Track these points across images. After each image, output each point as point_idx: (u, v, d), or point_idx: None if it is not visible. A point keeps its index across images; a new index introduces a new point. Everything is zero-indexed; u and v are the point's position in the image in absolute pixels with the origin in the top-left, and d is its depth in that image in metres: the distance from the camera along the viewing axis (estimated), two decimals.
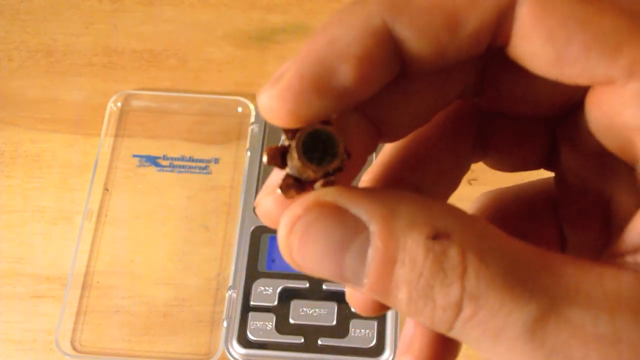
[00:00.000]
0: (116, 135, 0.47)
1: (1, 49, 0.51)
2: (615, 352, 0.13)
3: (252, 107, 0.47)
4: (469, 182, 0.46)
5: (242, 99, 0.47)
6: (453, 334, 0.14)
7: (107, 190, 0.45)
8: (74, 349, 0.40)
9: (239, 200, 0.43)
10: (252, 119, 0.46)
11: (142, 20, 0.52)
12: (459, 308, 0.14)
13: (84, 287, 0.42)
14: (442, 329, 0.14)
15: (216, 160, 0.46)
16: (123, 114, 0.48)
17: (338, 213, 0.15)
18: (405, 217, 0.15)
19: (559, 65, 0.15)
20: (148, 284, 0.42)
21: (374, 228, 0.15)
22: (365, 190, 0.15)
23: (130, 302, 0.41)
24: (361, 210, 0.15)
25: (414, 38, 0.15)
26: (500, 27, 0.15)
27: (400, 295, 0.14)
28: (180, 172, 0.46)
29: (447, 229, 0.14)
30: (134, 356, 0.40)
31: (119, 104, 0.48)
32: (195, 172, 0.46)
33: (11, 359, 0.40)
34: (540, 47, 0.15)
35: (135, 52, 0.51)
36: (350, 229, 0.15)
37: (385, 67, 0.15)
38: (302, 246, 0.15)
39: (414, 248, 0.14)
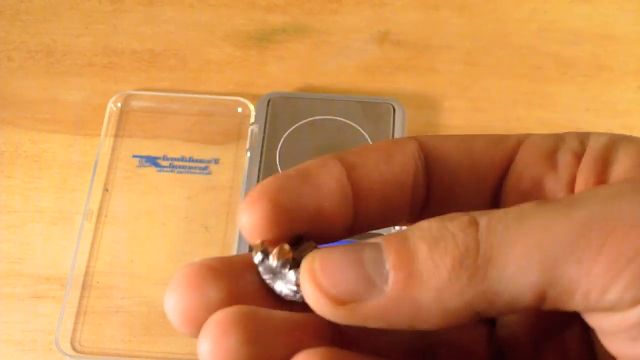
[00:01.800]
0: (116, 136, 0.47)
1: (1, 49, 0.51)
2: None
3: (252, 107, 0.47)
4: None
5: (242, 99, 0.47)
6: (483, 258, 0.15)
7: (107, 190, 0.45)
8: (74, 349, 0.40)
9: (239, 201, 0.43)
10: (252, 120, 0.46)
11: (142, 21, 0.52)
12: (473, 221, 0.15)
13: (84, 287, 0.42)
14: (469, 258, 0.15)
15: (216, 161, 0.46)
16: (123, 114, 0.48)
17: (341, 248, 0.16)
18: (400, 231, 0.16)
19: None
20: (148, 284, 0.42)
21: (379, 238, 0.16)
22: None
23: (130, 303, 0.41)
24: (360, 243, 0.16)
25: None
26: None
27: (422, 252, 0.15)
28: (181, 172, 0.46)
29: (475, 216, 0.16)
30: (134, 356, 0.40)
31: (119, 105, 0.48)
32: (195, 173, 0.46)
33: (11, 359, 0.40)
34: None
35: (136, 53, 0.51)
36: (356, 246, 0.16)
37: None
38: (323, 268, 0.16)
39: (415, 225, 0.16)
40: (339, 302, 0.16)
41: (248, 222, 0.17)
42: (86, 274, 0.42)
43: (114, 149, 0.46)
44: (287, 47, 0.51)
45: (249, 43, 0.52)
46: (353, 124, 0.44)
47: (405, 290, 0.15)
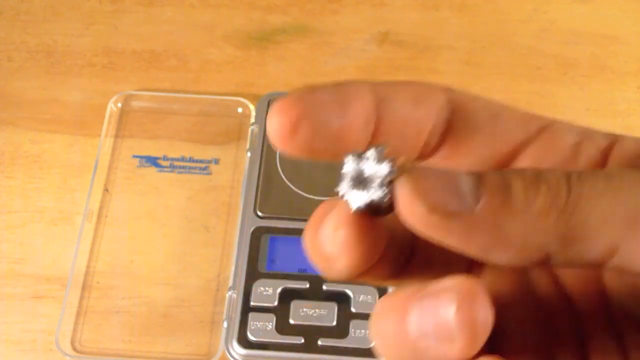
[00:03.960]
0: (116, 136, 0.47)
1: (1, 49, 0.51)
2: None
3: (252, 107, 0.47)
4: None
5: (242, 99, 0.47)
6: (570, 202, 0.16)
7: (107, 190, 0.45)
8: (74, 349, 0.40)
9: (239, 201, 0.43)
10: (252, 120, 0.46)
11: (142, 21, 0.52)
12: (567, 173, 0.16)
13: (84, 287, 0.42)
14: (559, 200, 0.16)
15: (216, 161, 0.46)
16: (123, 114, 0.48)
17: (445, 171, 0.17)
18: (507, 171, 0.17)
19: None
20: (148, 284, 0.42)
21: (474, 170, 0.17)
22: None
23: (130, 303, 0.41)
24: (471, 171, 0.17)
25: None
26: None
27: (517, 186, 0.16)
28: (181, 172, 0.46)
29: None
30: (134, 357, 0.40)
31: (119, 105, 0.48)
32: (195, 173, 0.46)
33: (11, 359, 0.40)
34: None
35: (136, 53, 0.51)
36: (450, 170, 0.17)
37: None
38: (418, 182, 0.16)
39: (511, 169, 0.17)
40: (431, 210, 0.16)
41: (274, 126, 0.18)
42: (86, 274, 0.42)
43: (114, 149, 0.46)
44: (287, 47, 0.51)
45: (249, 43, 0.52)
46: None
47: (494, 215, 0.16)
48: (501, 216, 0.16)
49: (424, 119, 0.20)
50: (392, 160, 0.17)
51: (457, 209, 0.16)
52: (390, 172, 0.17)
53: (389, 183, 0.17)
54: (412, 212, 0.16)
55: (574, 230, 0.16)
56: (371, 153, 0.17)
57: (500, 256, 0.16)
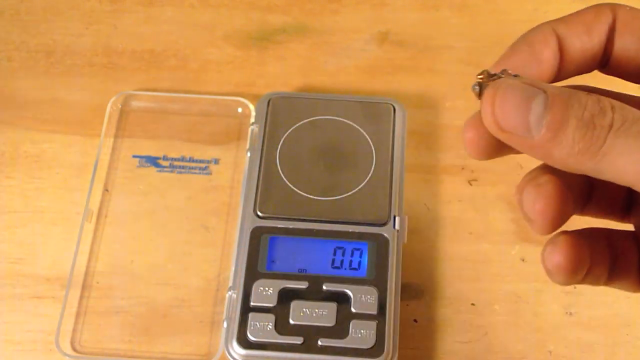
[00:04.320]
0: (116, 136, 0.47)
1: (1, 49, 0.51)
2: None
3: (252, 107, 0.47)
4: (469, 183, 0.46)
5: (242, 99, 0.47)
6: (602, 151, 0.21)
7: (107, 190, 0.45)
8: (74, 349, 0.40)
9: (239, 201, 0.43)
10: (252, 120, 0.46)
11: (142, 21, 0.52)
12: (611, 125, 0.21)
13: (83, 287, 0.42)
14: (594, 148, 0.21)
15: (216, 161, 0.46)
16: (123, 114, 0.48)
17: (522, 83, 0.23)
18: (582, 96, 0.22)
19: None
20: (148, 284, 0.42)
21: (550, 90, 0.22)
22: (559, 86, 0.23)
23: (130, 303, 0.41)
24: (534, 81, 0.23)
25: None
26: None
27: (570, 128, 0.21)
28: (180, 172, 0.46)
29: (613, 105, 0.21)
30: (134, 357, 0.40)
31: (119, 105, 0.48)
32: (195, 173, 0.46)
33: (11, 359, 0.40)
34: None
35: (135, 53, 0.51)
36: (532, 89, 0.22)
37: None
38: (501, 102, 0.23)
39: (578, 96, 0.22)
40: (501, 128, 0.23)
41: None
42: (86, 274, 0.42)
43: (113, 149, 0.46)
44: (287, 47, 0.51)
45: (249, 43, 0.52)
46: (353, 124, 0.44)
47: (546, 144, 0.22)
48: (551, 146, 0.21)
49: (597, 44, 0.26)
50: (505, 72, 0.25)
51: (522, 134, 0.22)
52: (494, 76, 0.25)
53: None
54: (488, 125, 0.23)
55: (602, 170, 0.21)
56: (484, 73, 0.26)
57: (555, 165, 0.22)
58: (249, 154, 0.44)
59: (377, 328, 0.38)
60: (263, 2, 0.53)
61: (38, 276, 0.42)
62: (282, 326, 0.38)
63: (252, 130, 0.45)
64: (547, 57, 0.26)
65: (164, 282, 0.42)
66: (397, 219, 0.41)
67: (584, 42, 0.26)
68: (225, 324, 0.39)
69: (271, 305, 0.39)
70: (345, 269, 0.40)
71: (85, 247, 0.43)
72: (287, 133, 0.44)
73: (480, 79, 0.26)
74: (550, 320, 0.41)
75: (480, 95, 0.25)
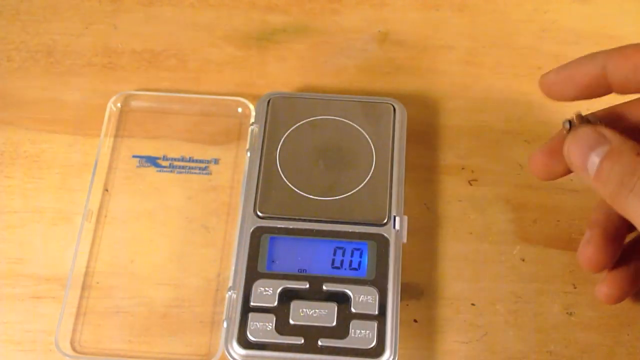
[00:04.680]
0: (116, 136, 0.47)
1: (1, 49, 0.51)
2: None
3: (252, 107, 0.47)
4: (469, 183, 0.46)
5: (242, 99, 0.47)
6: (627, 201, 0.28)
7: (106, 190, 0.45)
8: (74, 349, 0.40)
9: (239, 201, 0.43)
10: (252, 120, 0.46)
11: (142, 21, 0.52)
12: (633, 187, 0.28)
13: (83, 287, 0.42)
14: (614, 194, 0.29)
15: (216, 161, 0.46)
16: (123, 114, 0.48)
17: (593, 131, 0.30)
18: (627, 142, 0.29)
19: None
20: (148, 284, 0.42)
21: (614, 143, 0.30)
22: (615, 131, 0.30)
23: (130, 303, 0.41)
24: (609, 135, 0.30)
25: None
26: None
27: (614, 178, 0.29)
28: (180, 172, 0.46)
29: None
30: (134, 357, 0.40)
31: (119, 105, 0.48)
32: (195, 173, 0.46)
33: (11, 359, 0.40)
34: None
35: (135, 53, 0.51)
36: (597, 139, 0.30)
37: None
38: (571, 144, 0.31)
39: (628, 154, 0.29)
40: (572, 164, 0.31)
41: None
42: (86, 274, 0.42)
43: (113, 149, 0.46)
44: (287, 47, 0.51)
45: (249, 43, 0.52)
46: (353, 124, 0.44)
47: (595, 183, 0.30)
48: (598, 186, 0.29)
49: None
50: (580, 119, 0.32)
51: (582, 172, 0.30)
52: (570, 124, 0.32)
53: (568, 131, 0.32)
54: (566, 158, 0.31)
55: (622, 207, 0.29)
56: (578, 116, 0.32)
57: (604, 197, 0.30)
58: (248, 154, 0.44)
59: (377, 328, 0.38)
60: (263, 2, 0.53)
61: (38, 276, 0.42)
62: (282, 326, 0.38)
63: (252, 130, 0.45)
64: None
65: (164, 282, 0.42)
66: (397, 219, 0.41)
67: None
68: (225, 324, 0.39)
69: (271, 305, 0.39)
70: (345, 269, 0.40)
71: (85, 247, 0.43)
72: (287, 133, 0.44)
73: (571, 119, 0.33)
74: (551, 320, 0.41)
75: (568, 131, 0.32)
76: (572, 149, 0.31)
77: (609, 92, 0.32)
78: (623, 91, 0.32)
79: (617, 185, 0.28)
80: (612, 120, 0.34)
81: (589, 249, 0.34)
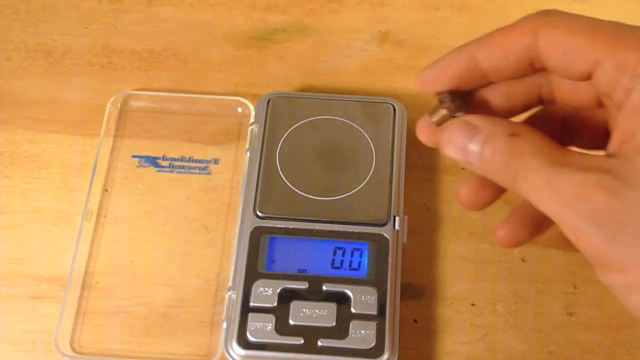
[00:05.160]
0: (115, 136, 0.47)
1: (0, 49, 0.51)
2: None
3: (251, 107, 0.46)
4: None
5: (241, 99, 0.47)
6: (517, 184, 0.28)
7: (106, 190, 0.45)
8: (73, 349, 0.40)
9: (238, 201, 0.43)
10: (252, 120, 0.46)
11: (141, 20, 0.52)
12: (518, 170, 0.27)
13: (83, 287, 0.42)
14: (508, 181, 0.28)
15: (216, 161, 0.46)
16: (122, 114, 0.48)
17: (461, 124, 0.29)
18: (499, 125, 0.29)
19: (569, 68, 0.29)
20: (147, 284, 0.42)
21: (486, 130, 0.29)
22: (484, 116, 0.30)
23: (129, 303, 0.41)
24: (480, 123, 0.29)
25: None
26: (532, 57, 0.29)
27: (497, 165, 0.28)
28: (180, 172, 0.46)
29: (518, 131, 0.28)
30: (134, 357, 0.40)
31: (119, 105, 0.48)
32: (194, 173, 0.46)
33: (10, 359, 0.40)
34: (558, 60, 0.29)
35: (135, 52, 0.51)
36: (468, 131, 0.29)
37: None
38: (445, 146, 0.30)
39: (501, 142, 0.28)
40: (449, 155, 0.30)
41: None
42: (85, 274, 0.42)
43: (113, 149, 0.46)
44: (287, 47, 0.51)
45: (249, 43, 0.51)
46: (353, 124, 0.44)
47: (484, 174, 0.29)
48: (489, 174, 0.29)
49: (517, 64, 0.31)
50: (449, 108, 0.31)
51: (465, 162, 0.29)
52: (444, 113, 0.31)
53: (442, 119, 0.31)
54: (449, 158, 0.30)
55: (516, 189, 0.28)
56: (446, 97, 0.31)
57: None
58: (248, 154, 0.44)
59: (377, 328, 0.38)
60: (263, 2, 0.53)
61: (37, 276, 0.42)
62: (281, 326, 0.38)
63: (252, 130, 0.45)
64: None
65: (164, 282, 0.42)
66: (397, 219, 0.41)
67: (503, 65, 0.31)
68: (225, 325, 0.39)
69: (271, 305, 0.39)
70: (345, 269, 0.40)
71: (84, 247, 0.43)
72: (287, 133, 0.44)
73: (436, 110, 0.32)
74: (551, 320, 0.41)
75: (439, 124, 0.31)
76: (450, 150, 0.30)
77: (486, 80, 0.32)
78: (499, 78, 0.31)
79: (504, 171, 0.29)
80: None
81: (466, 188, 0.34)
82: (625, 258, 0.26)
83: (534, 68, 0.30)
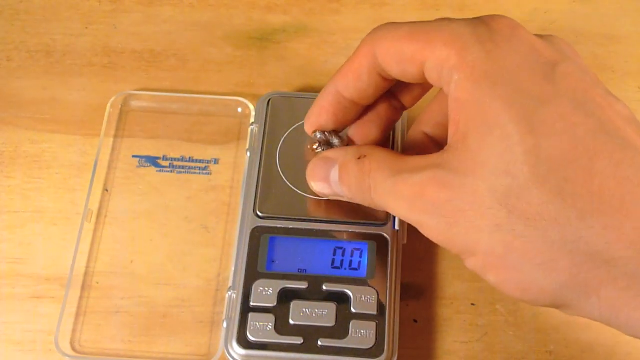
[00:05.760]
0: (116, 136, 0.47)
1: (0, 49, 0.51)
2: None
3: (252, 107, 0.47)
4: None
5: (242, 99, 0.47)
6: (374, 200, 0.32)
7: (106, 190, 0.45)
8: (74, 349, 0.40)
9: (239, 201, 0.43)
10: (252, 120, 0.46)
11: (142, 21, 0.52)
12: (370, 187, 0.31)
13: (83, 287, 0.42)
14: (367, 199, 0.32)
15: (216, 161, 0.46)
16: (123, 114, 0.48)
17: (318, 160, 0.35)
18: (349, 151, 0.33)
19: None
20: (148, 284, 0.42)
21: (339, 160, 0.34)
22: (337, 148, 0.36)
23: (130, 303, 0.41)
24: (333, 155, 0.34)
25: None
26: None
27: (355, 189, 0.33)
28: (180, 172, 0.46)
29: (365, 153, 0.32)
30: (134, 357, 0.40)
31: (119, 105, 0.48)
32: (195, 173, 0.46)
33: (10, 359, 0.40)
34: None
35: (135, 53, 0.51)
36: (325, 164, 0.34)
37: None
38: (311, 181, 0.36)
39: (352, 166, 0.33)
40: (317, 187, 0.36)
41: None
42: (86, 274, 0.42)
43: (113, 149, 0.46)
44: (287, 46, 0.51)
45: (249, 43, 0.52)
46: None
47: (349, 199, 0.34)
48: (353, 198, 0.34)
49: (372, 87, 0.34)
50: (321, 145, 0.36)
51: (330, 195, 0.35)
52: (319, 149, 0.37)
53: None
54: (312, 187, 0.36)
55: (378, 206, 0.32)
56: (321, 136, 0.36)
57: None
58: (248, 154, 0.44)
59: (377, 328, 0.38)
60: (263, 2, 0.53)
61: (38, 276, 0.42)
62: (282, 326, 0.38)
63: (252, 130, 0.45)
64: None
65: (164, 282, 0.42)
66: (397, 219, 0.41)
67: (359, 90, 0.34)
68: (225, 324, 0.39)
69: (271, 305, 0.39)
70: (345, 269, 0.40)
71: (85, 247, 0.43)
72: (287, 133, 0.44)
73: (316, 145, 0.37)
74: (551, 320, 0.41)
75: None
76: (317, 186, 0.35)
77: (364, 106, 0.35)
78: (367, 101, 0.34)
79: (360, 191, 0.31)
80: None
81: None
82: (469, 242, 0.27)
83: (389, 80, 0.32)
